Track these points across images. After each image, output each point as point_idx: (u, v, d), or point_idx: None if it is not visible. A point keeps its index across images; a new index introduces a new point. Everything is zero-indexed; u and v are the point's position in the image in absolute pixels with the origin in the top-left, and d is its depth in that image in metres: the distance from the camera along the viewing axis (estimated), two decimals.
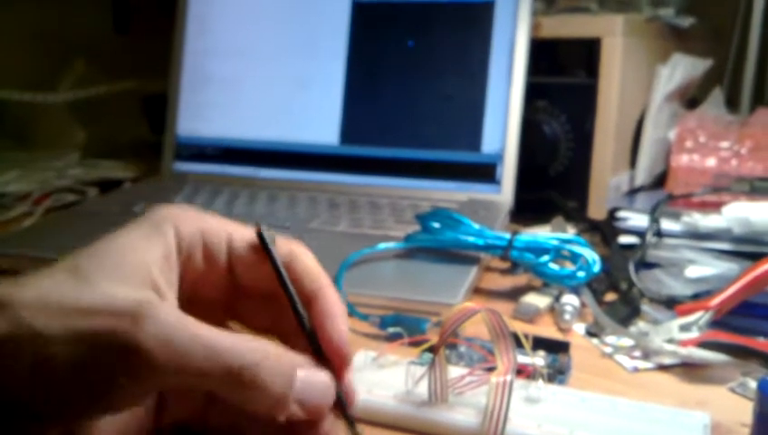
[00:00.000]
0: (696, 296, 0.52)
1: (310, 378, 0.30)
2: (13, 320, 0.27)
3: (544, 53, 0.82)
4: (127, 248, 0.30)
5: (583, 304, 0.55)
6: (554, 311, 0.55)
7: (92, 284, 0.28)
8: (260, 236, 0.34)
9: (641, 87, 0.82)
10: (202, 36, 0.90)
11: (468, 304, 0.39)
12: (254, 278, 0.34)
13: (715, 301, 0.47)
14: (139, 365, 0.27)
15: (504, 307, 0.57)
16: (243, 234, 0.34)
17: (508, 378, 0.37)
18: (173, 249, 0.32)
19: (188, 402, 0.35)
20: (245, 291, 0.35)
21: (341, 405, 0.32)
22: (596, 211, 0.77)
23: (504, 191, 0.78)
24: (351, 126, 0.83)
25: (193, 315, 0.29)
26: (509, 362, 0.38)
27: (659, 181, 0.80)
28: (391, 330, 0.49)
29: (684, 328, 0.47)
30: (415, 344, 0.44)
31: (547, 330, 0.53)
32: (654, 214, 0.62)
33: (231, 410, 0.33)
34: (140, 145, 1.05)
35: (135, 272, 0.30)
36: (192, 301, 0.32)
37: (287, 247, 0.34)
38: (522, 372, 0.41)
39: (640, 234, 0.62)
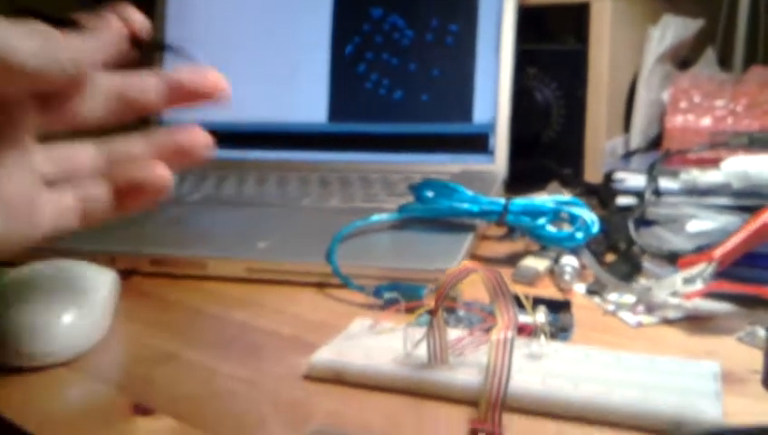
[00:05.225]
0: (698, 250, 0.51)
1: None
2: None
3: (533, 20, 0.81)
4: None
5: (583, 266, 0.53)
6: (554, 273, 0.54)
7: None
8: None
9: (632, 50, 0.81)
10: (182, 22, 0.88)
11: (466, 263, 0.38)
12: None
13: (719, 252, 0.46)
14: None
15: (502, 273, 0.55)
16: None
17: (509, 334, 0.35)
18: None
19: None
20: None
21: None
22: (592, 176, 0.76)
23: (498, 161, 0.77)
24: (339, 103, 0.82)
25: None
26: (509, 320, 0.36)
27: (655, 144, 0.79)
28: (387, 295, 0.47)
29: (687, 281, 0.45)
30: (412, 311, 0.43)
31: (547, 292, 0.52)
32: (652, 171, 0.60)
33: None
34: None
35: None
36: None
37: None
38: (523, 330, 0.40)
39: (638, 193, 0.61)
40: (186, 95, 0.36)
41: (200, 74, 0.36)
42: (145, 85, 0.36)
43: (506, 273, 0.55)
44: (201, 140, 0.36)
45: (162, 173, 0.35)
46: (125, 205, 0.37)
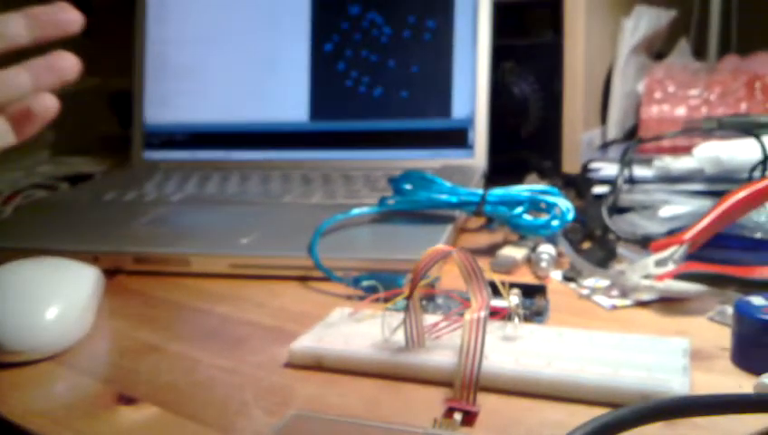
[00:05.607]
0: (669, 233, 0.52)
1: None
2: None
3: (509, 15, 0.82)
4: None
5: (560, 254, 0.54)
6: (531, 261, 0.55)
7: None
8: None
9: (607, 42, 0.82)
10: (162, 24, 0.89)
11: (440, 246, 0.39)
12: None
13: (689, 234, 0.47)
14: None
15: (481, 263, 0.56)
16: None
17: (482, 314, 0.36)
18: None
19: None
20: None
21: None
22: (570, 168, 0.77)
23: (477, 155, 0.78)
24: (320, 101, 0.83)
25: None
26: (483, 300, 0.37)
27: (631, 135, 0.80)
28: (366, 283, 0.48)
29: (659, 263, 0.46)
30: (391, 300, 0.43)
31: (524, 279, 0.53)
32: (624, 158, 0.62)
33: None
34: (110, 140, 1.03)
35: None
36: None
37: None
38: (497, 313, 0.41)
39: (613, 182, 0.62)
40: (47, 28, 0.40)
41: (57, 8, 0.40)
42: (12, 23, 0.40)
43: (485, 262, 0.56)
44: (69, 61, 0.41)
45: (49, 100, 0.41)
46: (21, 132, 0.42)
